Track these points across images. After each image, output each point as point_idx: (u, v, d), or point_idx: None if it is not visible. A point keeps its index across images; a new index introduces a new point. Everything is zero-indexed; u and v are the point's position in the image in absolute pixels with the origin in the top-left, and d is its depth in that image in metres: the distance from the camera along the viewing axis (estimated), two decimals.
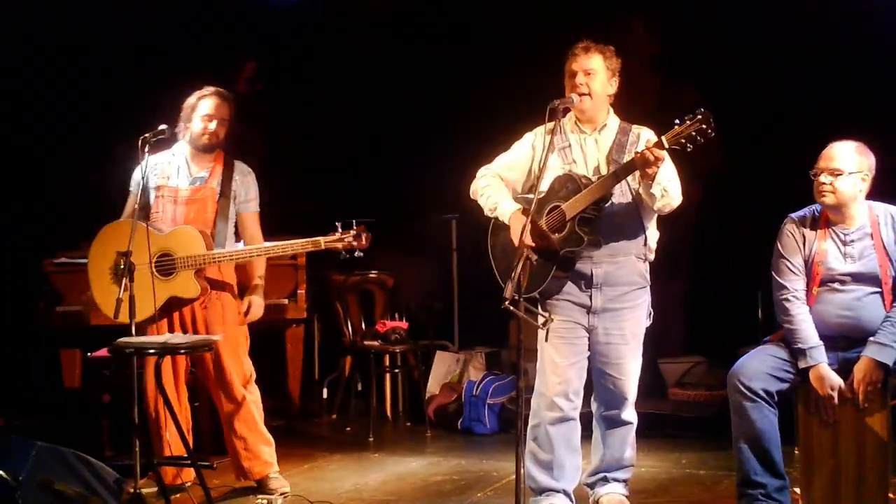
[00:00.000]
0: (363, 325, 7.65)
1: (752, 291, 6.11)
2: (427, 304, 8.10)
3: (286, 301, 6.91)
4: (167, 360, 5.32)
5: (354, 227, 5.21)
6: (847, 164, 4.65)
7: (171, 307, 5.40)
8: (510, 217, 4.83)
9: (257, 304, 5.57)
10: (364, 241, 5.23)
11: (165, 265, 5.33)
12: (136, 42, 7.59)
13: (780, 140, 7.08)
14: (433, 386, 7.66)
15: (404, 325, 7.37)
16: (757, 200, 7.08)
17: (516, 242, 4.60)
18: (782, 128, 7.10)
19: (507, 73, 7.69)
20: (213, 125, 5.48)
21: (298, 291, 6.94)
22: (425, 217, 8.32)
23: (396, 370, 7.79)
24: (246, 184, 5.59)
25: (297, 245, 5.27)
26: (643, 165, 4.56)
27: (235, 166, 5.58)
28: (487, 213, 4.99)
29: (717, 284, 7.41)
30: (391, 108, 8.33)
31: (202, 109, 5.48)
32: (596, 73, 4.84)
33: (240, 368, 5.51)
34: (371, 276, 7.67)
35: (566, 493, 4.92)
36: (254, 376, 5.59)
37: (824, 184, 4.65)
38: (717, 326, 7.39)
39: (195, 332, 5.47)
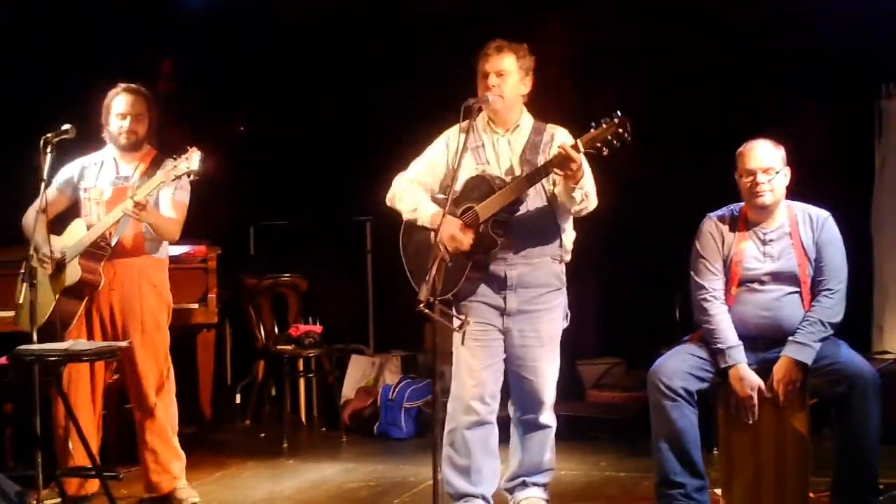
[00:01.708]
0: (276, 330, 7.51)
1: (669, 291, 6.09)
2: (341, 307, 7.98)
3: (196, 305, 6.71)
4: (77, 366, 5.17)
5: (188, 150, 5.04)
6: (776, 161, 4.63)
7: (73, 297, 5.24)
8: (431, 218, 4.74)
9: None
10: (194, 162, 5.01)
11: (61, 265, 5.22)
12: (47, 40, 7.38)
13: (696, 140, 7.08)
14: (348, 390, 7.53)
15: (318, 328, 7.25)
16: (673, 200, 7.09)
17: (446, 240, 4.51)
18: (698, 127, 7.09)
19: (421, 74, 7.60)
20: (126, 122, 5.32)
21: (209, 296, 6.74)
22: (339, 220, 8.20)
23: (311, 375, 7.66)
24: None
25: (147, 188, 5.05)
26: (561, 167, 4.48)
27: (163, 163, 5.31)
28: (407, 215, 4.88)
29: (634, 284, 7.39)
30: (303, 110, 8.19)
31: (116, 108, 5.34)
32: (508, 73, 4.75)
33: (154, 373, 5.34)
34: (284, 279, 7.54)
35: (485, 498, 4.84)
36: (171, 383, 5.42)
37: (762, 183, 4.60)
38: (634, 327, 7.38)
39: (113, 327, 5.30)
